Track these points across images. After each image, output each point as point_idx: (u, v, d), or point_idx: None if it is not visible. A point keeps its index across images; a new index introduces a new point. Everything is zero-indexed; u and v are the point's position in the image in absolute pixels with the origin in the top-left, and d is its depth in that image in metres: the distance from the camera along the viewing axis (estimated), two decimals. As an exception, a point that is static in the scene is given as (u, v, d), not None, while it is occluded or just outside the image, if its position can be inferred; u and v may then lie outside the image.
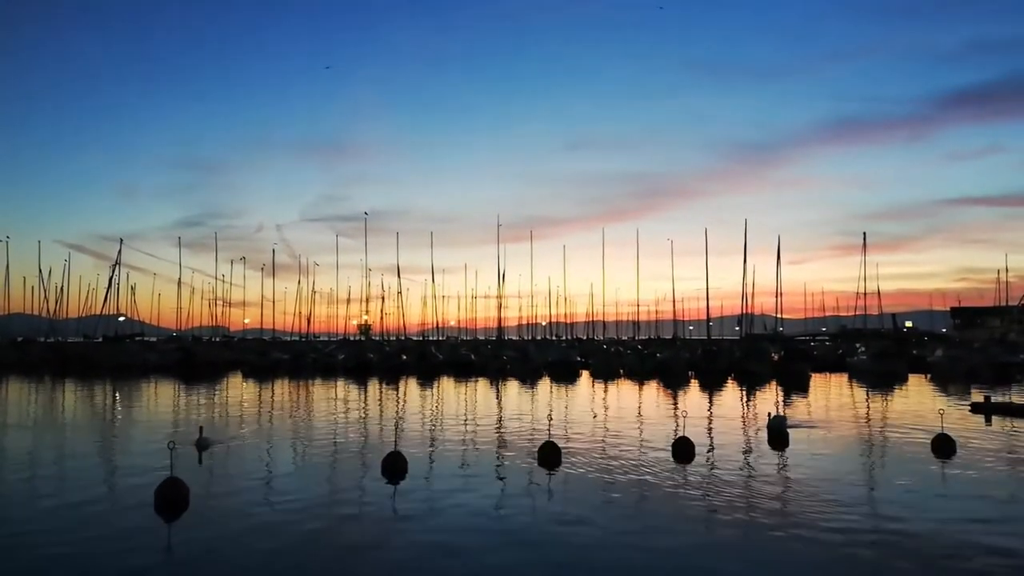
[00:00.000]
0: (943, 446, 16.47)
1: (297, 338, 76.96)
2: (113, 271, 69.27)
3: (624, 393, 35.58)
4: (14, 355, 63.20)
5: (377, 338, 77.08)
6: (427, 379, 44.51)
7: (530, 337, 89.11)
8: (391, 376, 47.17)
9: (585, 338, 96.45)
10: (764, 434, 19.06)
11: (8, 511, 11.23)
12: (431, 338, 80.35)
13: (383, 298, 78.96)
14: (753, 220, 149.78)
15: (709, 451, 16.66)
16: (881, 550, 9.09)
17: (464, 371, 52.04)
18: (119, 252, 69.80)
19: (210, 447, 12.25)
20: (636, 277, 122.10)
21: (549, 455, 15.20)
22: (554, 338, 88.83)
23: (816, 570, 8.54)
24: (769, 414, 19.91)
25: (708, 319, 66.19)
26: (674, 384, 40.75)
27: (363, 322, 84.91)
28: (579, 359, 61.53)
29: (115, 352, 60.92)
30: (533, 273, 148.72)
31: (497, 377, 46.65)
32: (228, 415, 24.88)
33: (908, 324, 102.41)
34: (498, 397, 32.67)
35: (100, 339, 69.31)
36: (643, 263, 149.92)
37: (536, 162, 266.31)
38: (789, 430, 19.02)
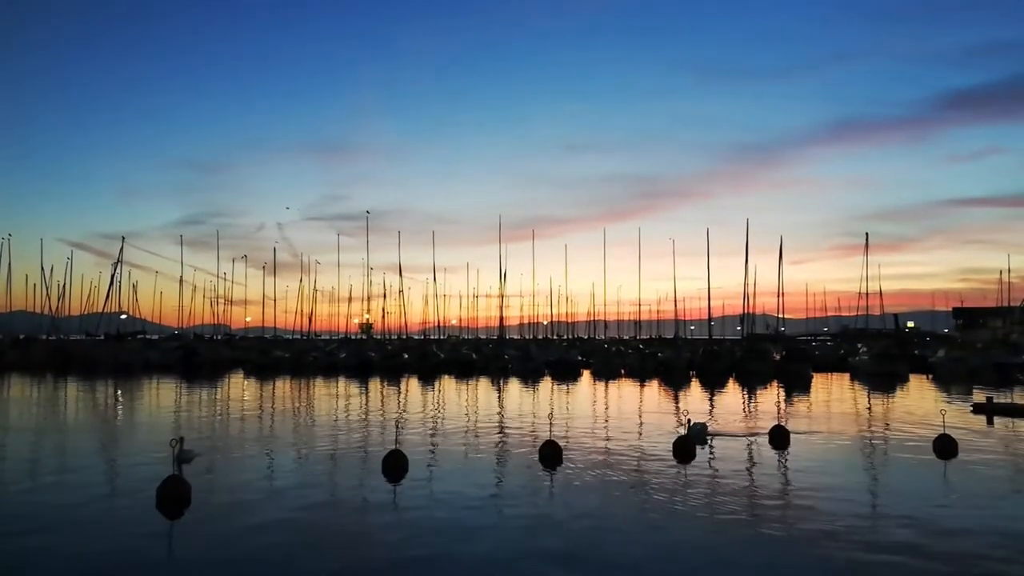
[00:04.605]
0: (945, 447, 16.43)
1: (298, 336, 76.98)
2: (115, 269, 69.43)
3: (625, 393, 35.58)
4: (16, 353, 63.24)
5: (378, 337, 77.04)
6: (428, 378, 44.52)
7: (531, 336, 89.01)
8: (392, 375, 47.19)
9: (586, 338, 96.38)
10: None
11: (9, 509, 11.24)
12: (432, 337, 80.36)
13: (384, 297, 78.94)
14: (755, 220, 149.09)
15: (710, 451, 16.64)
16: (882, 551, 9.07)
17: (465, 370, 52.02)
18: (121, 250, 70.03)
19: (192, 459, 12.10)
20: (637, 277, 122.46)
21: (550, 454, 15.20)
22: (555, 337, 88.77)
23: (816, 570, 8.54)
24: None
25: (709, 319, 66.03)
26: (675, 384, 40.74)
27: (364, 321, 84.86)
28: (580, 359, 61.49)
29: (117, 350, 60.90)
30: (535, 273, 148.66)
31: (498, 376, 46.65)
32: (229, 413, 24.91)
33: (910, 324, 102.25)
34: (499, 396, 32.68)
35: (102, 337, 69.21)
36: (644, 263, 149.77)
37: (538, 162, 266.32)
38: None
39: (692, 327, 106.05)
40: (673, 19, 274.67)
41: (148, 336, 76.86)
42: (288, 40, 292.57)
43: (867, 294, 62.99)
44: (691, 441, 16.28)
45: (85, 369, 51.01)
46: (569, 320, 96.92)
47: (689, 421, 17.72)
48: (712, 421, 21.89)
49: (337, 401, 30.08)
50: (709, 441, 17.65)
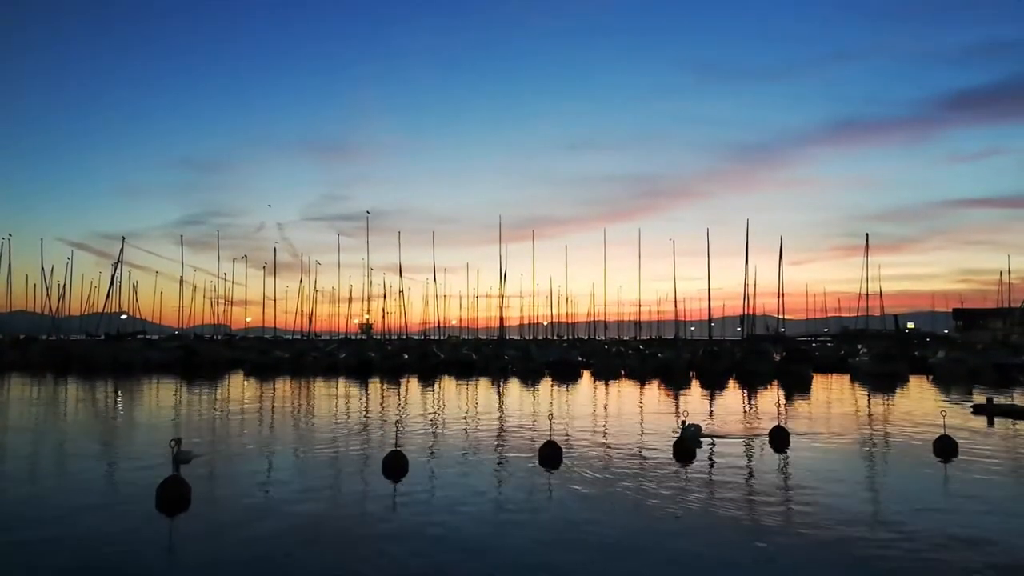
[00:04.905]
0: (945, 448, 16.42)
1: (298, 337, 76.96)
2: (115, 269, 69.46)
3: (625, 393, 35.56)
4: (16, 353, 63.22)
5: (378, 337, 77.01)
6: (428, 378, 44.49)
7: (531, 337, 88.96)
8: (392, 375, 47.17)
9: (586, 338, 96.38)
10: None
11: (9, 509, 11.24)
12: (432, 337, 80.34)
13: (384, 297, 78.93)
14: (755, 221, 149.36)
15: (711, 452, 16.63)
16: (882, 552, 9.07)
17: (465, 371, 52.00)
18: (121, 250, 70.07)
19: (191, 460, 12.08)
20: (638, 277, 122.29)
21: (549, 455, 15.19)
22: (555, 338, 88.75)
23: (816, 571, 8.53)
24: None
25: (710, 319, 65.94)
26: (675, 384, 40.71)
27: (364, 321, 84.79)
28: (580, 359, 61.49)
29: (117, 350, 60.86)
30: (535, 273, 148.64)
31: (498, 377, 46.64)
32: (228, 413, 24.90)
33: (910, 325, 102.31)
34: (499, 397, 32.66)
35: (102, 337, 69.24)
36: (645, 263, 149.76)
37: (538, 162, 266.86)
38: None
39: (692, 328, 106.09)
40: (673, 19, 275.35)
41: (148, 336, 76.92)
42: (288, 40, 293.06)
43: (867, 295, 62.97)
44: (682, 444, 16.21)
45: (85, 369, 51.01)
46: (569, 320, 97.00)
47: (683, 423, 17.62)
48: (712, 422, 21.89)
49: (337, 401, 30.06)
50: (712, 443, 17.54)
